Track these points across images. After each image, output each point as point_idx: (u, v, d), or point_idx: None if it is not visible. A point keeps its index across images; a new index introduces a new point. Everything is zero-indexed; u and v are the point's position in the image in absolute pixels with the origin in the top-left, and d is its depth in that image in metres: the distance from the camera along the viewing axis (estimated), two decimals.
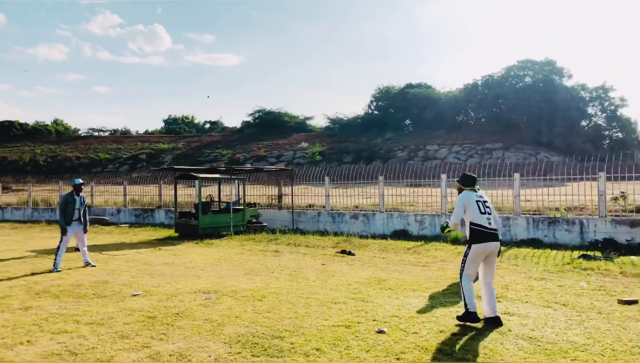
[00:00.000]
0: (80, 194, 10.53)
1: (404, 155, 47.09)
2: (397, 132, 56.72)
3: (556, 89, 52.46)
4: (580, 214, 13.69)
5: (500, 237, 6.12)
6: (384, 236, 14.94)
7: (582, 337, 5.45)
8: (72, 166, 54.10)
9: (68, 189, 10.78)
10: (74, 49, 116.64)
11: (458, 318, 6.02)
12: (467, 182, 6.23)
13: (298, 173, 20.51)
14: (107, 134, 76.64)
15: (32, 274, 9.56)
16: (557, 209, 14.18)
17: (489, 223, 5.98)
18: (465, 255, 6.02)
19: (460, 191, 6.30)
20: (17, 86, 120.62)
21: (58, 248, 10.21)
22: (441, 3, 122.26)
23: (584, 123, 55.05)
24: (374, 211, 16.48)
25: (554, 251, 11.51)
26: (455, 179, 6.53)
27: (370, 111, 64.90)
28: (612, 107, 54.54)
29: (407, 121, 62.23)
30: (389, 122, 58.89)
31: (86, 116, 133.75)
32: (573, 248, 12.00)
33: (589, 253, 10.88)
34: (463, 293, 5.99)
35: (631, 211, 12.84)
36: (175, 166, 19.38)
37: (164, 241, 15.11)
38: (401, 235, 14.95)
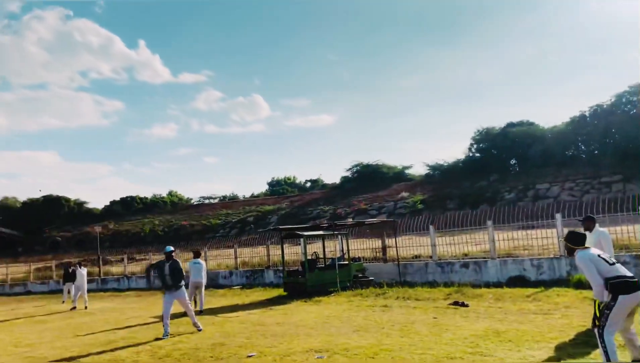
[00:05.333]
0: (171, 260, 10.37)
1: (512, 197, 44.89)
2: (503, 174, 54.43)
3: None
4: None
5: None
6: (498, 284, 14.10)
7: None
8: (187, 234, 57.52)
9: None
10: (183, 126, 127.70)
11: None
12: (578, 241, 5.72)
13: (401, 224, 20.26)
14: (216, 201, 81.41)
15: (156, 339, 10.12)
16: None
17: (626, 271, 5.39)
18: (609, 309, 5.32)
19: (570, 250, 5.79)
20: (136, 164, 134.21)
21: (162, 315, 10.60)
22: (531, 40, 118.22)
23: None
24: (485, 257, 15.70)
25: None
26: (562, 239, 5.99)
27: (471, 154, 63.07)
28: None
29: (512, 161, 59.60)
30: (493, 164, 56.79)
31: (197, 185, 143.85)
32: None
33: None
34: (605, 351, 5.29)
35: None
36: (280, 226, 19.96)
37: (274, 300, 15.40)
38: (517, 281, 14.03)
